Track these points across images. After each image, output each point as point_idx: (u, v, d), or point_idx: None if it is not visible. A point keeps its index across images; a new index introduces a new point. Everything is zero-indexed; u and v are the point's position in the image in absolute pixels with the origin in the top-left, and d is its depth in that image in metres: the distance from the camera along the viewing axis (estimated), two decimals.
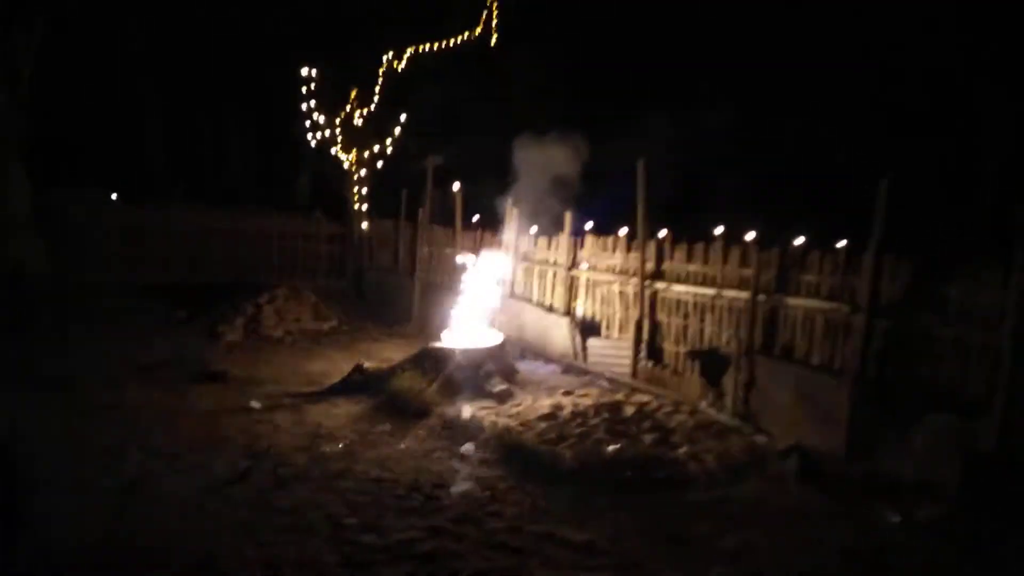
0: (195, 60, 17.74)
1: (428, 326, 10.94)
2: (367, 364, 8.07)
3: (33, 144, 11.65)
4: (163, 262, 13.22)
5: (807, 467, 5.61)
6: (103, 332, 9.79)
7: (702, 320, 7.61)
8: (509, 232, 10.02)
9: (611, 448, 5.98)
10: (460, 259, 10.60)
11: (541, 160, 8.99)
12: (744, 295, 7.05)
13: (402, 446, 6.13)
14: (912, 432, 5.54)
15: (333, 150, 14.31)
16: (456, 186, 11.10)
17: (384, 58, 13.91)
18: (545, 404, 7.19)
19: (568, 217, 9.10)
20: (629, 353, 8.13)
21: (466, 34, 13.85)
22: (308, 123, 14.21)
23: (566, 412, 6.93)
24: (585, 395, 7.59)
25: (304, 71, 13.81)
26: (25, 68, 11.25)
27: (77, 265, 12.35)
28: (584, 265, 9.01)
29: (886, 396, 5.90)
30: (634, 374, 8.06)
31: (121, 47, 15.54)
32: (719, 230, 7.45)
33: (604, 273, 8.74)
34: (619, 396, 7.57)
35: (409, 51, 13.99)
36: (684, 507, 5.16)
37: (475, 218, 11.31)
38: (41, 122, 11.77)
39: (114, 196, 13.00)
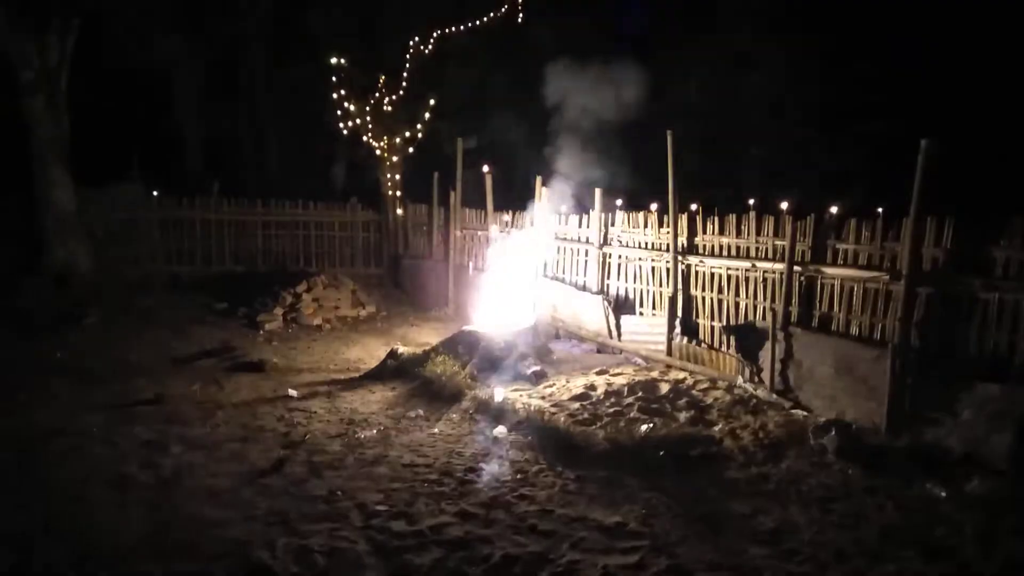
0: (230, 54, 17.98)
1: (463, 310, 10.96)
2: (401, 349, 8.12)
3: (74, 144, 11.95)
4: (204, 255, 13.50)
5: (848, 442, 5.44)
6: (146, 326, 10.05)
7: (737, 294, 7.43)
8: (540, 211, 9.93)
9: (644, 427, 5.91)
10: (492, 241, 10.56)
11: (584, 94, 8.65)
12: (779, 267, 6.86)
13: (435, 430, 6.15)
14: (958, 403, 5.34)
15: (365, 138, 14.35)
16: (486, 168, 11.03)
17: (411, 42, 13.83)
18: (578, 384, 7.15)
19: (598, 193, 8.96)
20: (664, 330, 8.00)
21: (491, 14, 13.67)
22: (339, 112, 14.27)
23: (599, 392, 6.88)
24: (619, 374, 7.52)
25: (333, 60, 13.85)
26: (62, 70, 11.53)
27: (120, 261, 12.71)
28: (616, 242, 8.88)
29: (930, 366, 5.68)
30: (669, 351, 7.93)
31: (158, 43, 15.79)
32: (752, 201, 7.24)
33: (636, 249, 8.60)
34: (654, 374, 7.49)
35: (435, 34, 13.88)
36: (720, 486, 5.07)
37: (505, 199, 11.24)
38: (80, 121, 12.03)
39: (155, 193, 13.26)
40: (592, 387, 7.02)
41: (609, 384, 7.10)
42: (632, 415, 6.33)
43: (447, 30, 14.04)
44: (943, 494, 4.79)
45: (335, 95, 14.11)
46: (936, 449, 5.34)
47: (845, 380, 6.09)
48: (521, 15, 14.22)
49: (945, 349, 5.69)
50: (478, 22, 13.39)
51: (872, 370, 5.87)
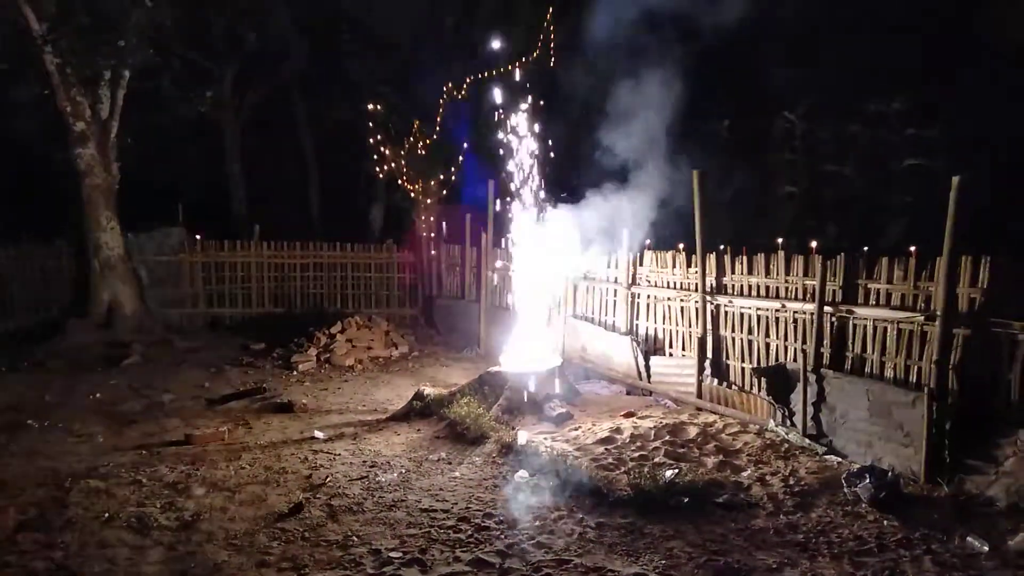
0: (272, 101, 18.61)
1: (495, 350, 10.92)
2: (428, 390, 8.10)
3: (122, 190, 12.41)
4: (244, 297, 13.82)
5: (883, 490, 5.20)
6: (184, 366, 10.27)
7: (767, 335, 7.26)
8: (570, 251, 9.90)
9: (670, 473, 5.75)
10: (521, 281, 10.55)
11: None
12: (810, 307, 6.69)
13: (457, 474, 6.08)
14: (1000, 450, 5.08)
15: (400, 181, 14.61)
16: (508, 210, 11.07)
17: (444, 88, 14.11)
18: (604, 427, 7.02)
19: (626, 234, 8.91)
20: (693, 371, 7.84)
21: (523, 58, 13.88)
22: (376, 156, 14.59)
23: (625, 435, 6.75)
24: (647, 416, 7.37)
25: (370, 106, 14.22)
26: (112, 121, 12.05)
27: (163, 303, 13.11)
28: (644, 281, 8.79)
29: (969, 411, 5.43)
30: (699, 393, 7.76)
31: (205, 90, 16.38)
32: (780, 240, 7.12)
33: (665, 289, 8.49)
34: (683, 417, 7.32)
35: (468, 79, 14.15)
36: (747, 535, 4.88)
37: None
38: (128, 168, 12.51)
39: (198, 236, 13.68)
40: (618, 430, 6.89)
41: (636, 427, 6.96)
42: (658, 460, 6.18)
43: (480, 75, 14.30)
44: (985, 548, 4.54)
45: (372, 140, 14.44)
46: (978, 499, 5.08)
47: (880, 425, 5.86)
48: (553, 59, 14.41)
49: (985, 393, 5.44)
50: (510, 67, 13.59)
51: (908, 415, 5.64)
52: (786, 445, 6.43)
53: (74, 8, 10.46)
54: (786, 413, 6.65)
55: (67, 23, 10.59)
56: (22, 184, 15.09)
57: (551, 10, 13.33)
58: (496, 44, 12.96)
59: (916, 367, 5.92)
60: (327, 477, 5.99)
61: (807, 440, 6.35)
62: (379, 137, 14.46)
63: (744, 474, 5.87)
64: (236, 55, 17.22)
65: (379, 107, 14.27)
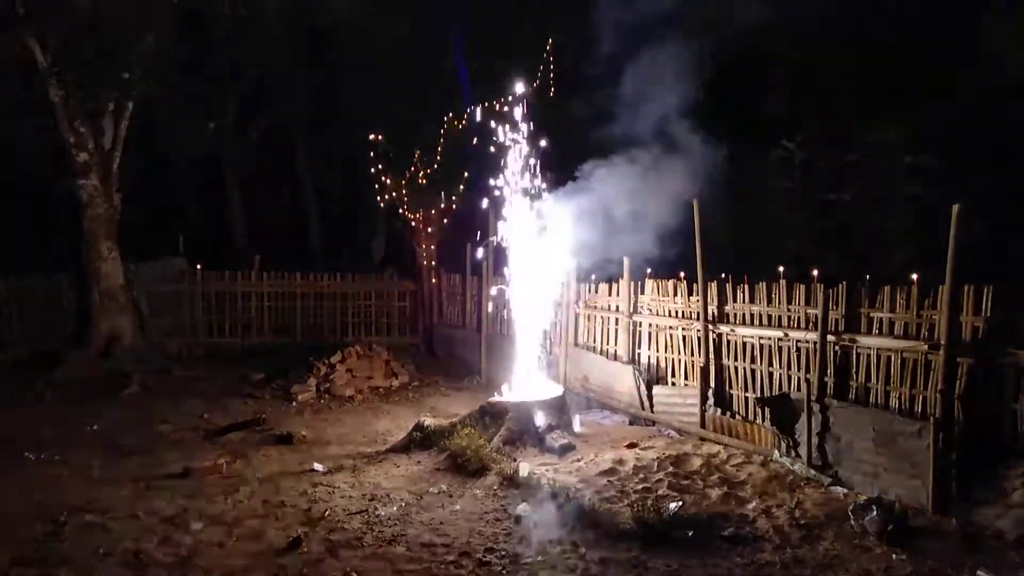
0: (274, 132, 18.76)
1: (496, 378, 10.85)
2: (428, 421, 8.03)
3: (124, 220, 12.45)
4: (244, 327, 13.77)
5: (890, 522, 5.12)
6: (183, 397, 10.20)
7: (770, 364, 7.21)
8: (570, 279, 9.90)
9: (673, 505, 5.68)
10: (522, 309, 10.52)
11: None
12: (812, 336, 6.66)
13: (457, 507, 6.00)
14: (1008, 482, 5.02)
15: (401, 210, 14.66)
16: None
17: (445, 118, 14.21)
18: (607, 458, 6.95)
19: (627, 262, 8.91)
20: (696, 401, 7.78)
21: (523, 90, 14.00)
22: (377, 186, 14.66)
23: (628, 466, 6.68)
24: (650, 447, 7.30)
25: (371, 137, 14.31)
26: (115, 152, 12.13)
27: (163, 333, 13.07)
28: (646, 310, 8.76)
29: (976, 441, 5.37)
30: (702, 423, 7.69)
31: (207, 122, 16.54)
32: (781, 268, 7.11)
33: (666, 318, 8.46)
34: (686, 448, 7.25)
35: (468, 110, 14.26)
36: (753, 570, 4.80)
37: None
38: (130, 198, 12.55)
39: (198, 266, 13.69)
40: (621, 461, 6.81)
41: (639, 458, 6.88)
42: (661, 492, 6.10)
43: (481, 105, 14.41)
44: None
45: (373, 170, 14.51)
46: (987, 531, 5.00)
47: (886, 455, 5.79)
48: (553, 91, 14.54)
49: (991, 423, 5.39)
50: (509, 99, 13.71)
51: (914, 445, 5.57)
52: (791, 476, 6.35)
53: (79, 42, 10.59)
54: (791, 443, 6.58)
55: (72, 56, 10.71)
56: (24, 215, 15.15)
57: (550, 43, 13.48)
58: (495, 77, 13.07)
59: (921, 397, 5.87)
60: (326, 511, 5.91)
61: (812, 471, 6.27)
62: (380, 167, 14.53)
63: (749, 506, 5.79)
64: (238, 87, 17.41)
65: (380, 138, 14.36)
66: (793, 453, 6.57)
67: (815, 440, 6.36)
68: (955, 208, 5.55)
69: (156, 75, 11.70)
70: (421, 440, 7.66)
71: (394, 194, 14.58)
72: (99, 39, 10.64)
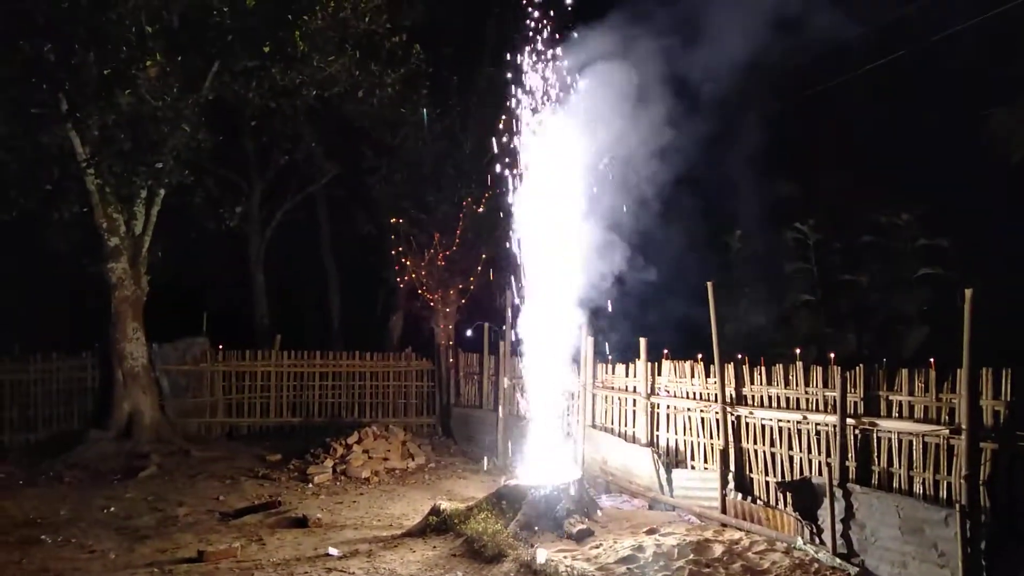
0: (298, 212, 19.30)
1: (513, 460, 10.76)
2: (444, 505, 7.95)
3: (149, 301, 12.73)
4: (263, 407, 13.86)
5: None
6: (200, 478, 10.19)
7: (790, 447, 7.13)
8: (586, 360, 9.93)
9: None
10: (539, 391, 10.52)
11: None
12: (832, 419, 6.61)
13: None
14: None
15: (420, 290, 14.89)
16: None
17: (464, 202, 14.59)
18: (626, 544, 6.83)
19: (644, 343, 8.96)
20: (716, 485, 7.66)
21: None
22: (397, 267, 14.96)
23: (648, 553, 6.55)
24: (669, 533, 7.16)
25: (392, 220, 14.72)
26: (145, 236, 12.53)
27: (183, 413, 13.16)
28: (663, 391, 8.74)
29: (1005, 529, 5.24)
30: (723, 508, 7.54)
31: (234, 206, 17.03)
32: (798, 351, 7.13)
33: (684, 400, 8.43)
34: (707, 534, 7.10)
35: (487, 193, 14.63)
36: None
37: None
38: (157, 279, 12.87)
39: (220, 346, 13.89)
40: (640, 548, 6.68)
41: (658, 545, 6.75)
42: None
43: (499, 189, 14.80)
44: None
45: (393, 251, 14.84)
46: None
47: (913, 544, 5.65)
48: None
49: (1019, 509, 5.26)
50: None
51: (941, 533, 5.45)
52: (816, 565, 6.19)
53: (116, 133, 11.12)
54: (814, 530, 6.44)
55: (109, 147, 11.23)
56: (54, 296, 15.55)
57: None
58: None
59: (945, 482, 5.77)
60: None
61: (838, 560, 6.11)
62: (400, 248, 14.87)
63: None
64: (266, 173, 18.05)
65: (400, 221, 14.75)
66: (817, 540, 6.42)
67: (839, 527, 6.23)
68: (968, 292, 5.59)
69: (188, 163, 12.18)
70: (437, 525, 7.58)
71: (413, 275, 14.86)
72: (136, 132, 11.16)
